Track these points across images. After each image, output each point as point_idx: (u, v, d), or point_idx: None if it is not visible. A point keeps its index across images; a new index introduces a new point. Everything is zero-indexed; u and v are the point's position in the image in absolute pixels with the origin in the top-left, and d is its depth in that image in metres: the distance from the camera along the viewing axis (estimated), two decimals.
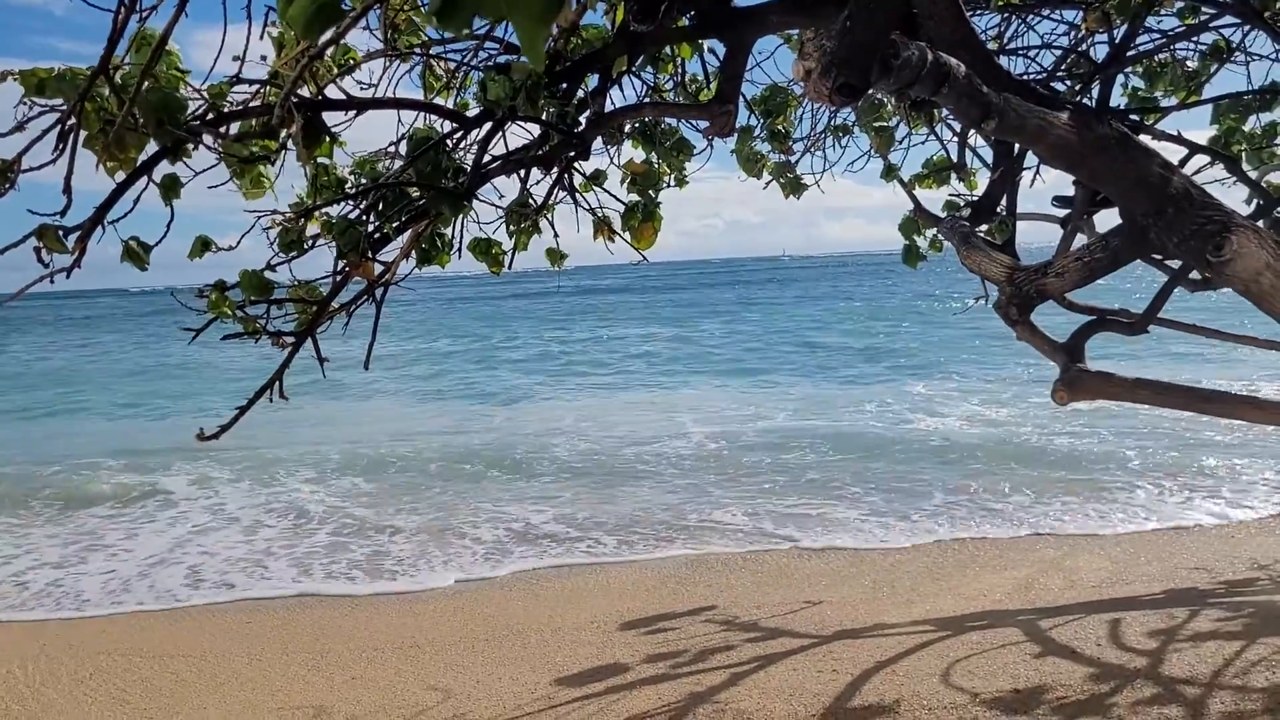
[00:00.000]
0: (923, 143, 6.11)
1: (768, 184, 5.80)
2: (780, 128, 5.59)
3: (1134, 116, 5.10)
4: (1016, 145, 5.32)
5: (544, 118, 3.91)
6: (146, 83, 2.99)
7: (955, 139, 5.97)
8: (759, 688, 5.25)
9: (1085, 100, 5.07)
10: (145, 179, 3.22)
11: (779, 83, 5.32)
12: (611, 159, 4.77)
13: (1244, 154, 5.25)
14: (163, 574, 8.71)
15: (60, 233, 3.07)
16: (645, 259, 4.66)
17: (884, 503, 10.22)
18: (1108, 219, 4.96)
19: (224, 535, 10.04)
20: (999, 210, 5.60)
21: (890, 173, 5.85)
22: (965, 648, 5.70)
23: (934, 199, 5.99)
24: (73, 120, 2.98)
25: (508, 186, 4.70)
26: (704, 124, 4.71)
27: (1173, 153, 4.23)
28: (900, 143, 5.94)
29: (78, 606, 7.93)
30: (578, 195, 4.60)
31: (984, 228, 5.47)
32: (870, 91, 2.93)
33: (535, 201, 4.48)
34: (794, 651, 5.84)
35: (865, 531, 9.24)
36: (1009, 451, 12.55)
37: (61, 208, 3.00)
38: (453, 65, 4.51)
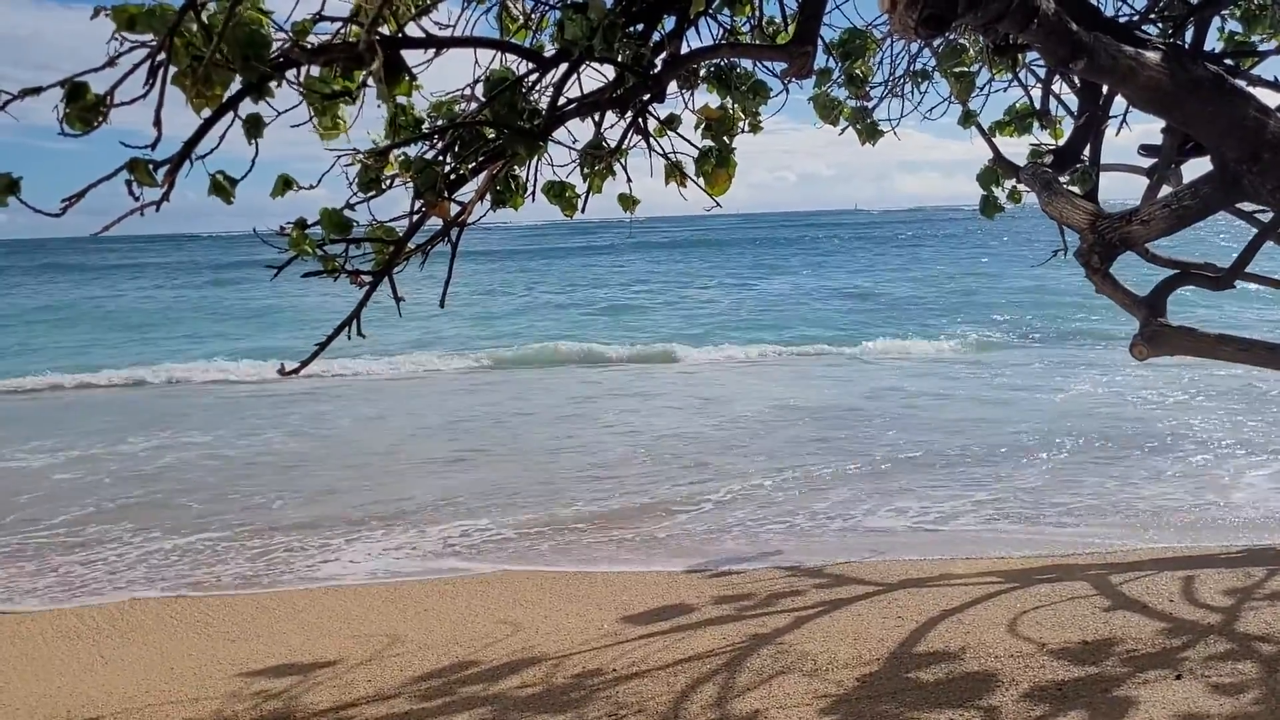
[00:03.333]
0: (1004, 89, 5.97)
1: (843, 130, 5.72)
2: (858, 72, 5.47)
3: (1229, 61, 4.92)
4: (1104, 90, 5.18)
5: (620, 60, 3.89)
6: (232, 19, 3.03)
7: (1039, 85, 5.83)
8: (823, 631, 5.28)
9: (1178, 44, 4.90)
10: (230, 116, 3.27)
11: (858, 25, 5.21)
12: (686, 103, 4.72)
13: None
14: None
15: (150, 166, 3.14)
16: (719, 204, 4.62)
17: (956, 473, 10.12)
18: (1196, 169, 4.82)
19: None
20: (1082, 159, 5.46)
21: (969, 119, 5.73)
22: (1033, 599, 5.67)
23: (1014, 149, 5.86)
24: (162, 55, 3.03)
25: (581, 130, 4.69)
26: (780, 67, 4.65)
27: (1270, 99, 4.07)
28: (981, 89, 5.81)
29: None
30: (651, 140, 4.57)
31: (1065, 177, 5.35)
32: (955, 25, 2.87)
33: (609, 145, 4.47)
34: (859, 598, 5.86)
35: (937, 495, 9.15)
36: (1076, 414, 12.32)
37: (152, 141, 3.06)
38: (529, 5, 4.50)
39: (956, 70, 5.32)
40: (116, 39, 3.05)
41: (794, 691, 4.52)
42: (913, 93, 5.82)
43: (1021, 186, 5.71)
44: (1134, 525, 7.66)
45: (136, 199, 3.15)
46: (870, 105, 5.66)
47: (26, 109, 3.10)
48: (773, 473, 9.60)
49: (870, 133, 5.66)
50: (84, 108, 3.07)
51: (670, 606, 5.94)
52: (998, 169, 5.85)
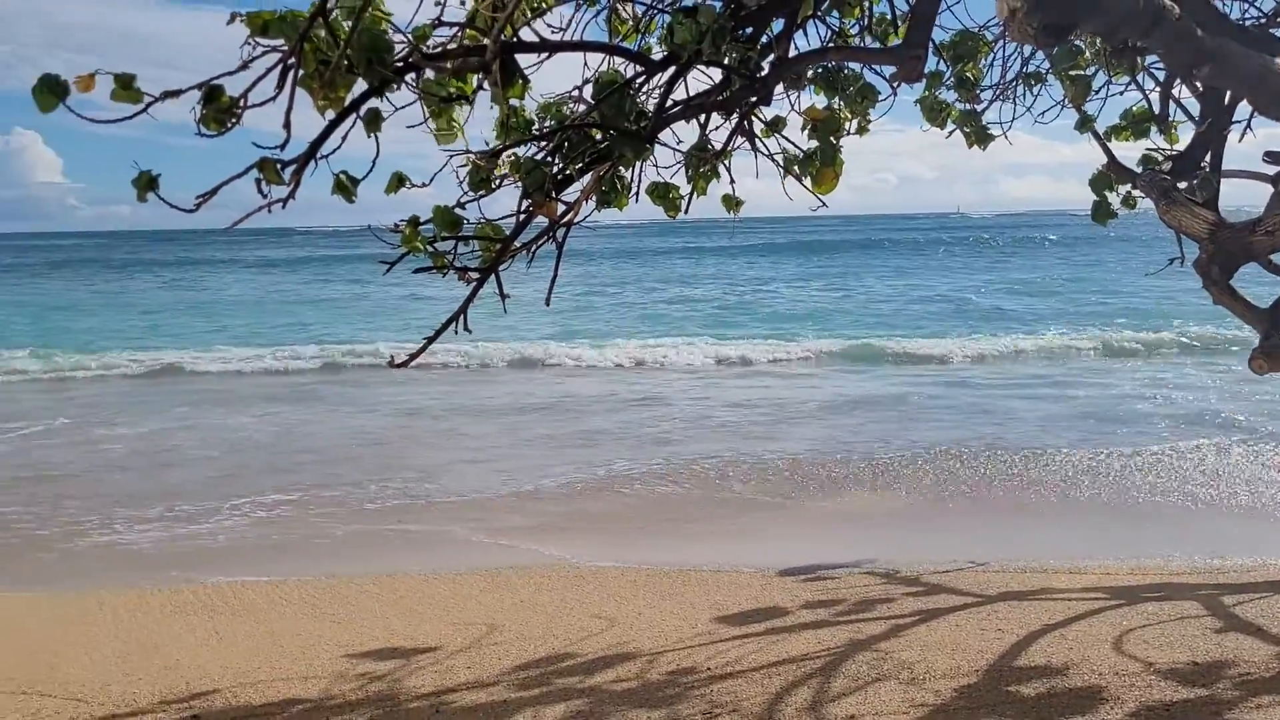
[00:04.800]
0: (1121, 93, 5.82)
1: (951, 133, 5.65)
2: (969, 75, 5.39)
3: None
4: (1228, 95, 5.01)
5: (727, 62, 3.92)
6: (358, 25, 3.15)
7: (1157, 89, 5.66)
8: (920, 640, 5.23)
9: None
10: (352, 118, 3.39)
11: (970, 27, 5.14)
12: (792, 105, 4.72)
13: None
14: None
15: (278, 166, 3.27)
16: (824, 204, 4.60)
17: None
18: None
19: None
20: (1202, 166, 5.29)
21: (1085, 124, 5.59)
22: (1140, 618, 5.52)
23: (1128, 153, 5.70)
24: (292, 59, 3.15)
25: (685, 132, 4.72)
26: (889, 70, 4.62)
27: None
28: (1096, 92, 5.67)
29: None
30: (757, 141, 4.58)
31: (1184, 184, 5.19)
32: (1076, 33, 2.83)
33: (714, 147, 4.50)
34: (957, 609, 5.78)
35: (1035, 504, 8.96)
36: (1188, 418, 11.89)
37: (281, 142, 3.20)
38: (639, 9, 4.55)
39: (1072, 73, 5.20)
40: (250, 43, 3.19)
41: (891, 699, 4.49)
42: (1024, 95, 5.72)
43: (1137, 193, 5.56)
44: (1245, 544, 7.38)
45: (265, 196, 3.30)
46: (980, 109, 5.57)
47: (154, 107, 3.23)
48: (869, 476, 9.51)
49: (981, 137, 5.57)
50: (219, 109, 3.22)
51: (764, 608, 5.95)
52: (1111, 174, 5.70)
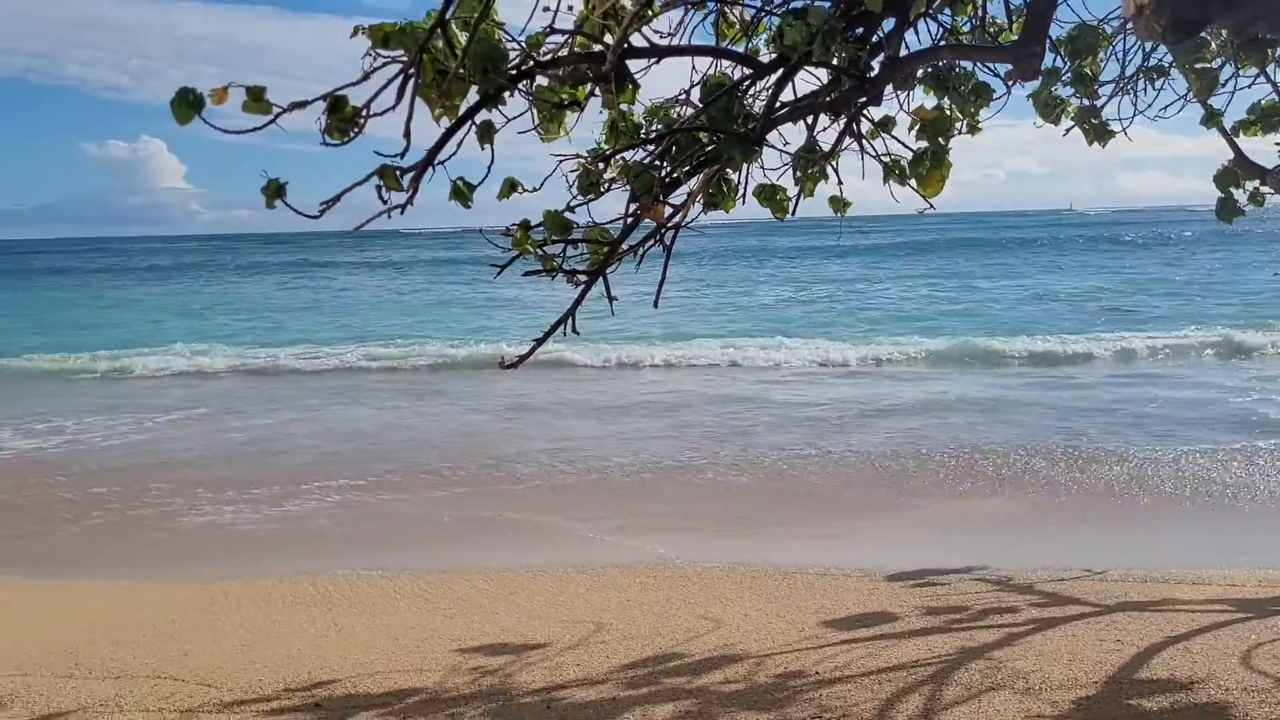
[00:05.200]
0: (1249, 86, 5.59)
1: (1068, 130, 5.50)
2: (1087, 70, 5.24)
3: None
4: None
5: (836, 63, 3.90)
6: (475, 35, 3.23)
7: None
8: (1035, 650, 5.10)
9: None
10: (467, 125, 3.48)
11: (1087, 20, 5.00)
12: (901, 105, 4.66)
13: None
14: None
15: (397, 173, 3.38)
16: (931, 206, 4.54)
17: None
18: None
19: None
20: None
21: (1212, 119, 5.38)
22: (1270, 632, 5.29)
23: (1256, 149, 5.48)
24: (412, 70, 3.25)
25: (790, 133, 4.69)
26: (1003, 68, 4.53)
27: None
28: (1223, 85, 5.46)
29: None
30: (864, 142, 4.53)
31: None
32: (1207, 29, 2.74)
33: (822, 148, 4.46)
34: (1074, 618, 5.62)
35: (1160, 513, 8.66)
36: None
37: (400, 150, 3.31)
38: (747, 13, 4.55)
39: (1198, 66, 5.02)
40: (370, 55, 3.29)
41: (1005, 709, 4.40)
42: (1145, 90, 5.54)
43: (1266, 189, 5.34)
44: None
45: (385, 202, 3.41)
46: (1099, 104, 5.42)
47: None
48: (979, 478, 9.32)
49: (1099, 133, 5.42)
50: (342, 119, 3.34)
51: (872, 613, 5.88)
52: (1238, 170, 5.48)
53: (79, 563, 7.82)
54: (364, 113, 3.32)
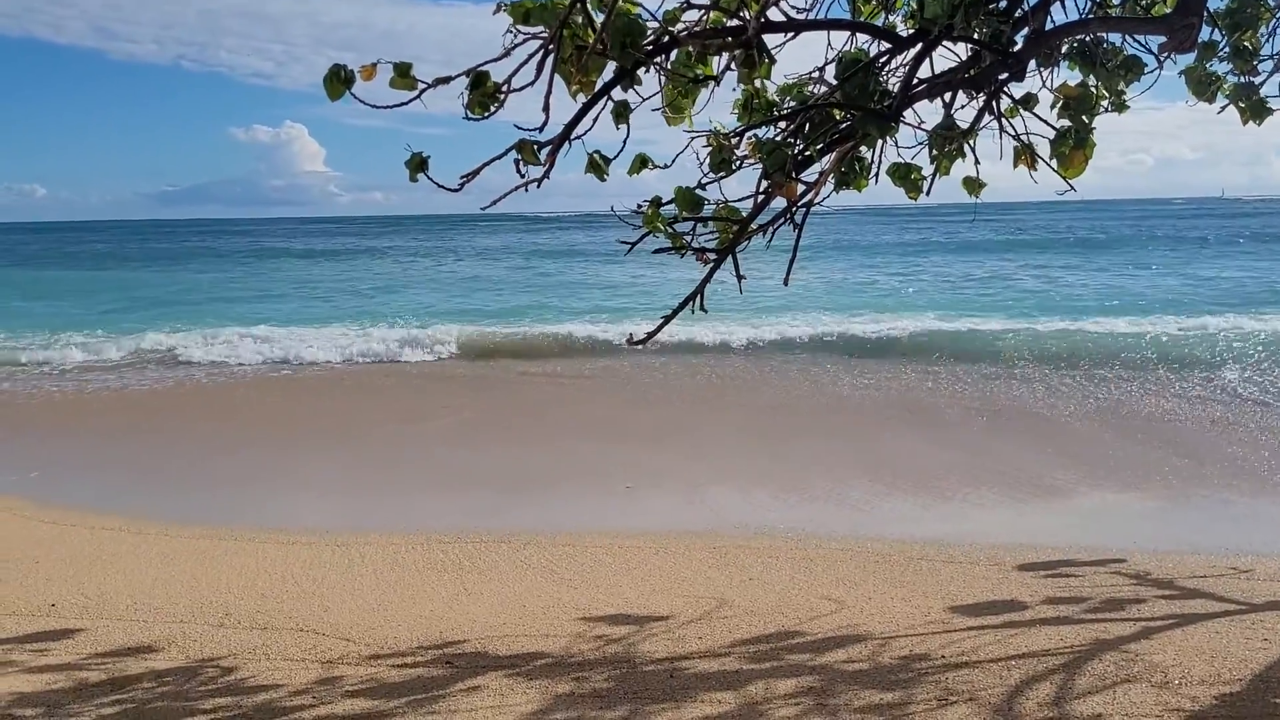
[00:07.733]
0: None
1: (1223, 109, 5.26)
2: (1246, 44, 5.00)
3: None
4: None
5: (977, 36, 3.81)
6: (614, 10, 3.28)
7: None
8: (1174, 644, 4.93)
9: None
10: (603, 100, 3.54)
11: None
12: (1044, 82, 4.51)
13: None
14: None
15: (535, 147, 3.46)
16: (1072, 188, 4.40)
17: None
18: None
19: None
20: None
21: None
22: None
23: None
24: (552, 45, 3.32)
25: (925, 111, 4.61)
26: (1156, 41, 4.36)
27: None
28: None
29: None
30: (1004, 120, 4.41)
31: None
32: None
33: (960, 126, 4.36)
34: (1216, 615, 5.40)
35: None
36: None
37: (540, 124, 3.39)
38: None
39: None
40: (511, 31, 3.37)
41: (1141, 701, 4.27)
42: None
43: None
44: None
45: (522, 176, 3.50)
46: (1258, 81, 5.16)
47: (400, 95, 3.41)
48: (1117, 470, 8.99)
49: (1256, 111, 5.15)
50: (484, 94, 3.44)
51: (1000, 601, 5.77)
52: None
53: (234, 516, 8.12)
54: (504, 88, 3.40)
